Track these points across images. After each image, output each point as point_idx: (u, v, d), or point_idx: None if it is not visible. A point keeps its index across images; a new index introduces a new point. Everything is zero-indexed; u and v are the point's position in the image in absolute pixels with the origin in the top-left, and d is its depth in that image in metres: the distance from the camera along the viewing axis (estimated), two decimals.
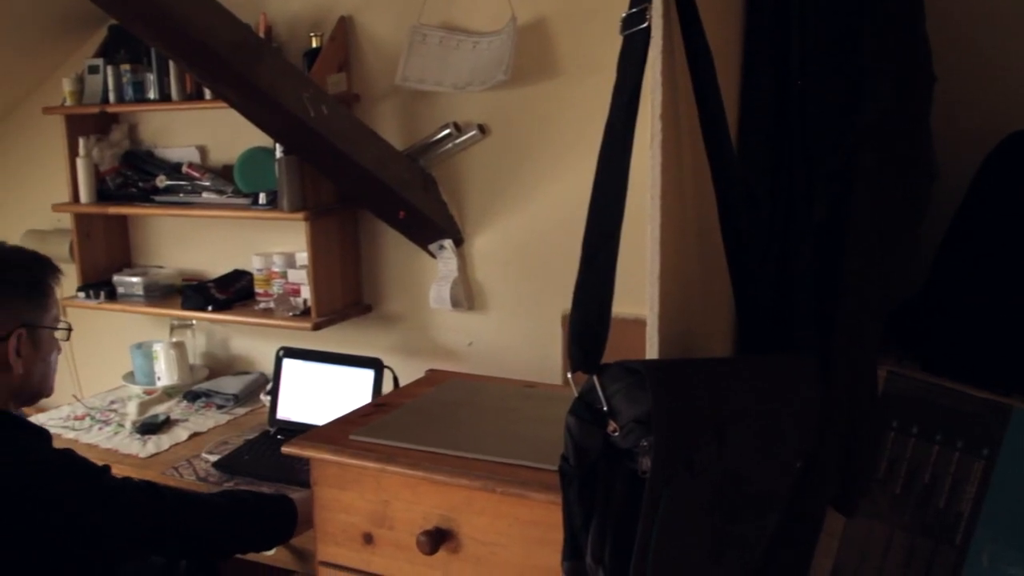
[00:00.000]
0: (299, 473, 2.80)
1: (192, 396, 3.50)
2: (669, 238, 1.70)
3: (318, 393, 3.07)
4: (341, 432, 2.09)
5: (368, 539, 2.02)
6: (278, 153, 3.12)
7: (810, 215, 2.01)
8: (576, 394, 1.63)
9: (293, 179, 3.10)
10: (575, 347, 1.62)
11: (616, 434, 1.57)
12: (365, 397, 2.95)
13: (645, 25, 1.64)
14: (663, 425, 1.52)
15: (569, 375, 1.64)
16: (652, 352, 1.73)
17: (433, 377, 2.54)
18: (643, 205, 1.66)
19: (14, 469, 2.03)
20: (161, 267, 3.78)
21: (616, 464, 1.59)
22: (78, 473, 2.10)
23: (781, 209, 2.02)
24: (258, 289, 3.42)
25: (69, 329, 2.30)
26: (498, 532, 1.87)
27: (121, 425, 3.31)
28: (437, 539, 1.91)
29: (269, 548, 2.50)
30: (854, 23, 1.99)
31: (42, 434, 2.22)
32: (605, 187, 1.65)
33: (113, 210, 3.58)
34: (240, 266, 3.60)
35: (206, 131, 3.62)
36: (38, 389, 2.25)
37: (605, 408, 1.58)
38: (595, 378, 1.60)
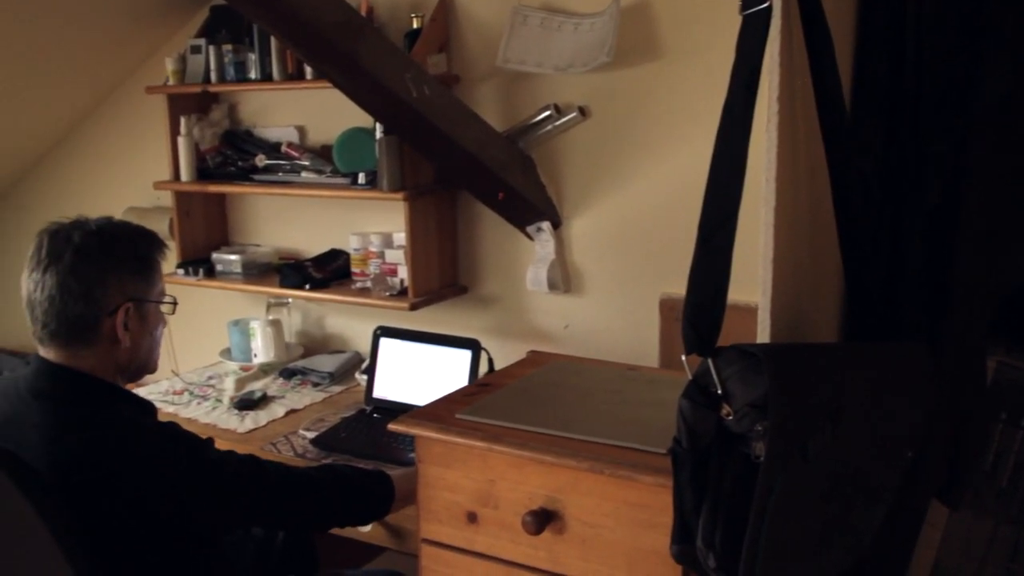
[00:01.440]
0: (395, 451, 2.83)
1: (288, 373, 3.54)
2: (783, 222, 1.68)
3: (414, 373, 3.08)
4: (447, 411, 2.09)
5: (472, 518, 2.03)
6: (378, 133, 3.14)
7: (922, 200, 1.98)
8: (689, 377, 1.62)
9: (393, 159, 3.12)
10: (690, 329, 1.61)
11: (730, 418, 1.56)
12: (462, 378, 2.96)
13: (766, 5, 1.62)
14: (779, 410, 1.50)
15: (683, 358, 1.63)
16: (764, 336, 1.71)
17: (534, 359, 2.54)
18: (754, 188, 1.64)
19: (121, 440, 2.06)
20: (258, 245, 3.82)
21: (729, 448, 1.58)
22: (183, 445, 2.12)
23: (893, 194, 1.99)
24: (354, 269, 3.44)
25: (174, 303, 2.32)
26: (604, 514, 1.87)
27: (219, 401, 3.36)
28: (543, 520, 1.91)
29: (366, 523, 2.52)
30: (973, 5, 1.95)
31: (147, 407, 2.25)
32: (723, 169, 1.64)
33: (213, 188, 3.63)
34: (336, 245, 3.63)
35: (305, 111, 3.65)
36: (144, 362, 2.27)
37: (719, 391, 1.57)
38: (710, 361, 1.59)
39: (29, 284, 2.14)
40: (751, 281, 1.70)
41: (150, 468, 2.04)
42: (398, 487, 2.36)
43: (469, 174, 3.06)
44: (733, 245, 1.60)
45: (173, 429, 2.15)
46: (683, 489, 1.62)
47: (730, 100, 1.64)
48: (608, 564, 1.89)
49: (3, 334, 4.78)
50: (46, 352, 2.16)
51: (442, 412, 2.10)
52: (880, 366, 1.74)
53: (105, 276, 2.12)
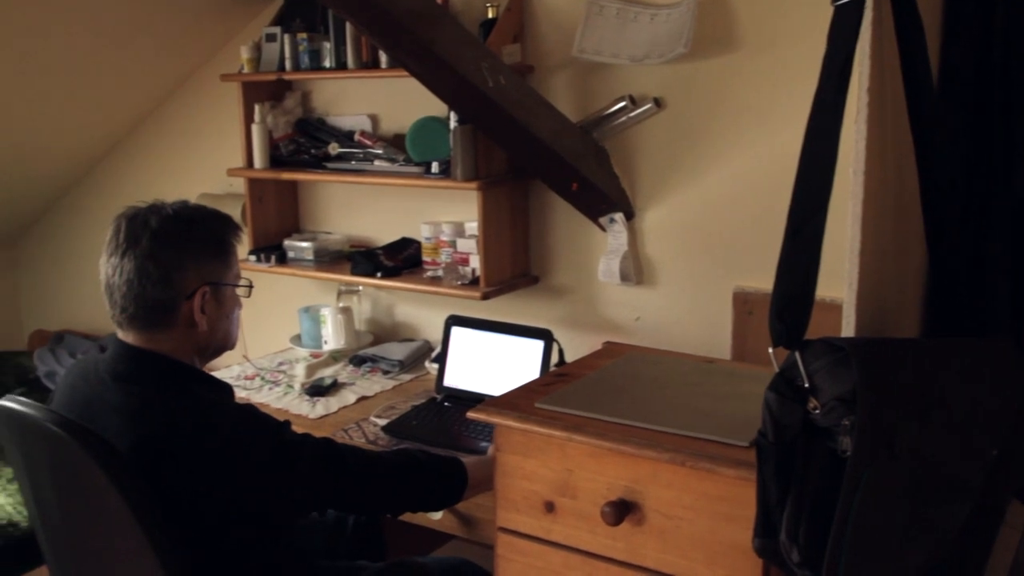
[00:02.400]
0: (466, 439, 2.83)
1: (358, 360, 3.56)
2: (870, 215, 1.66)
3: (485, 362, 3.09)
4: (526, 400, 2.10)
5: (550, 507, 2.03)
6: (452, 123, 3.14)
7: (1009, 193, 1.95)
8: (776, 369, 1.61)
9: (467, 149, 3.12)
10: (777, 321, 1.60)
11: (817, 411, 1.55)
12: (533, 368, 2.96)
13: None
14: (868, 405, 1.49)
15: (770, 350, 1.62)
16: (848, 331, 1.70)
17: (610, 349, 2.54)
18: (840, 181, 1.62)
19: (200, 422, 2.08)
20: (329, 233, 3.84)
21: (814, 442, 1.57)
22: (260, 427, 2.14)
23: (980, 187, 1.95)
24: (426, 257, 3.45)
25: (250, 286, 2.34)
26: (684, 506, 1.86)
27: (290, 386, 3.38)
28: (622, 511, 1.91)
29: (438, 509, 2.52)
30: None
31: (224, 389, 2.28)
32: (813, 160, 1.62)
33: (286, 176, 3.65)
34: (407, 234, 3.64)
35: (378, 100, 3.66)
36: (221, 345, 2.30)
37: (806, 385, 1.56)
38: (797, 354, 1.58)
39: (107, 268, 2.16)
40: (834, 276, 1.69)
41: (228, 449, 2.06)
42: (471, 474, 2.37)
43: (543, 164, 3.05)
44: (822, 237, 1.58)
45: (251, 411, 2.17)
46: (767, 483, 1.61)
47: (821, 90, 1.62)
48: (687, 557, 1.88)
49: (74, 317, 4.85)
50: (125, 335, 2.19)
51: (521, 401, 2.10)
52: (967, 362, 1.72)
53: (182, 260, 2.14)
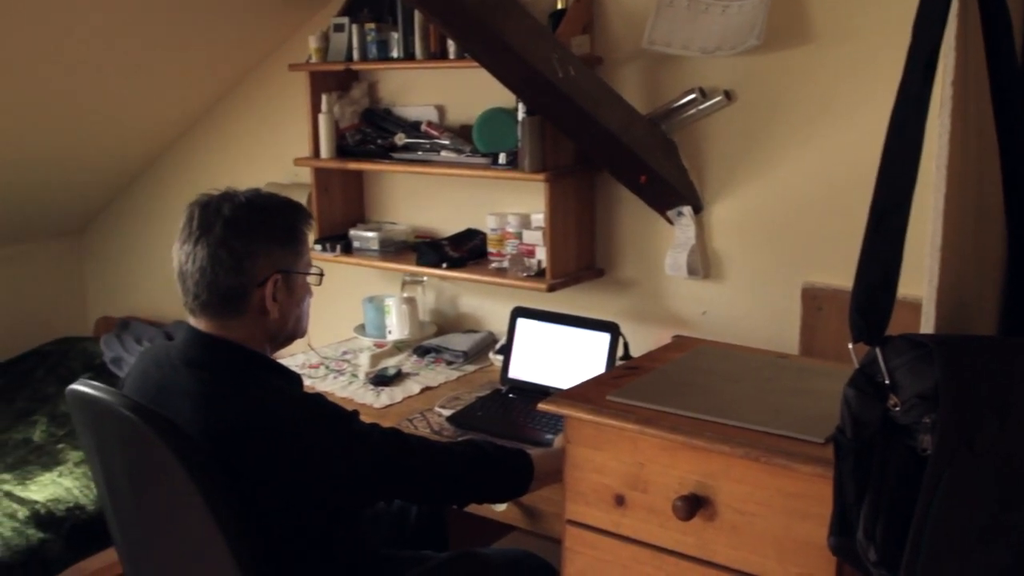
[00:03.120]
0: (531, 431, 2.82)
1: (422, 351, 3.56)
2: (952, 210, 1.64)
3: (551, 354, 3.08)
4: (597, 392, 2.08)
5: (619, 501, 2.02)
6: (520, 114, 3.14)
7: None
8: (856, 365, 1.59)
9: (535, 140, 3.11)
10: (857, 316, 1.58)
11: (897, 409, 1.53)
12: (599, 361, 2.95)
13: None
14: (950, 403, 1.46)
15: (850, 346, 1.59)
16: (928, 327, 1.67)
17: (679, 343, 2.52)
18: (921, 175, 1.59)
19: (270, 410, 2.09)
20: (394, 223, 3.85)
21: (894, 439, 1.55)
22: (329, 416, 2.15)
23: None
24: (491, 249, 3.45)
25: (321, 274, 2.35)
26: (757, 502, 1.84)
27: (355, 376, 3.39)
28: (693, 505, 1.89)
29: (504, 501, 2.52)
30: None
31: (294, 378, 2.28)
32: (897, 153, 1.58)
33: (352, 166, 3.66)
34: (472, 225, 3.63)
35: (445, 90, 3.65)
36: (292, 333, 2.30)
37: (887, 381, 1.53)
38: (878, 350, 1.55)
39: (180, 255, 2.17)
40: (912, 272, 1.66)
41: (298, 438, 2.07)
42: (537, 467, 2.36)
43: (611, 156, 3.04)
44: (905, 231, 1.56)
45: (320, 400, 2.17)
46: (845, 480, 1.59)
47: (906, 82, 1.59)
48: (759, 553, 1.86)
49: (138, 304, 4.90)
50: (197, 322, 2.20)
51: (592, 394, 2.09)
52: None
53: (255, 247, 2.15)
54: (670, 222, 3.16)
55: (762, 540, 1.85)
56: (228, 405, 2.09)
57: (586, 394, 2.09)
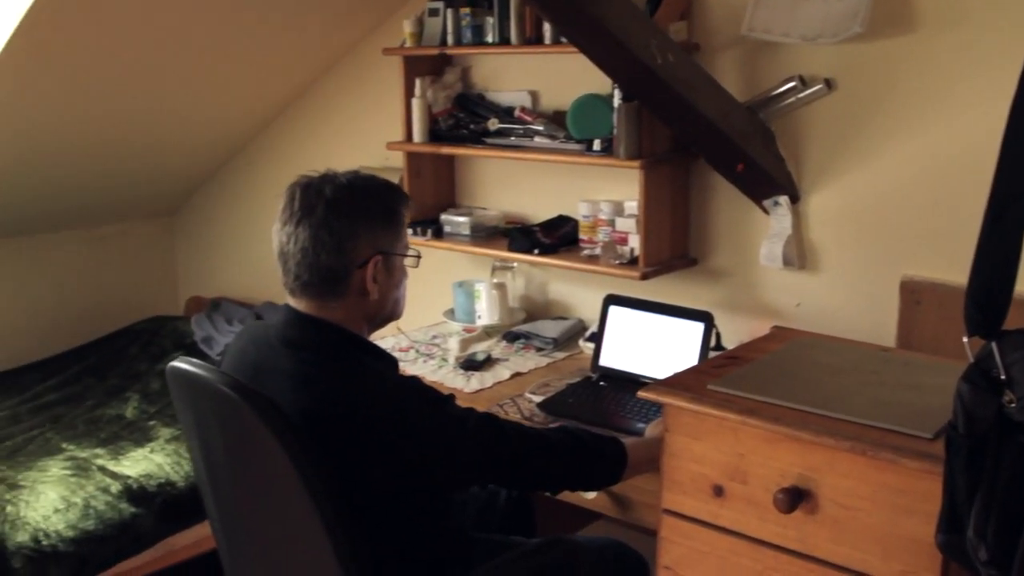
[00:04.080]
0: (622, 420, 2.81)
1: (512, 337, 3.56)
2: None
3: (643, 342, 3.05)
4: (697, 381, 2.06)
5: (718, 491, 1.99)
6: (616, 100, 3.12)
7: None
8: (970, 360, 1.55)
9: (631, 127, 3.09)
10: (973, 310, 1.54)
11: (1012, 405, 1.49)
12: (692, 351, 2.92)
13: None
14: None
15: (965, 340, 1.56)
16: None
17: (778, 334, 2.49)
18: None
19: (367, 392, 2.10)
20: (485, 209, 3.84)
21: (1008, 437, 1.51)
22: (426, 399, 2.15)
23: None
24: (582, 236, 3.43)
25: (418, 256, 2.35)
26: (861, 497, 1.81)
27: (444, 360, 3.39)
28: (795, 498, 1.86)
29: (596, 489, 2.51)
30: None
31: (390, 360, 2.29)
32: (1017, 143, 1.54)
33: (446, 150, 3.66)
34: (563, 212, 3.62)
35: (539, 76, 3.64)
36: (390, 315, 2.31)
37: (1003, 377, 1.50)
38: (994, 345, 1.52)
39: (281, 236, 2.18)
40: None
41: (395, 420, 2.08)
42: (631, 455, 2.34)
43: (708, 144, 3.00)
44: None
45: (417, 383, 2.18)
46: (956, 477, 1.55)
47: None
48: (861, 549, 1.83)
49: (228, 284, 4.95)
50: (297, 303, 2.21)
51: (692, 382, 2.07)
52: None
53: (356, 229, 2.15)
54: (766, 212, 3.12)
55: (865, 536, 1.82)
56: (326, 386, 2.10)
57: (686, 383, 2.07)
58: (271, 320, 2.31)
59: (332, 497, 2.01)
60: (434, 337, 3.67)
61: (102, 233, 4.94)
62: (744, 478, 1.95)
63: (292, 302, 2.22)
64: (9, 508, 3.18)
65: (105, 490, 3.33)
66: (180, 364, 2.18)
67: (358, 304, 2.20)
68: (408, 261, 2.30)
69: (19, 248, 4.64)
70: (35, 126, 3.82)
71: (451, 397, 2.19)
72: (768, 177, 3.02)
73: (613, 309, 3.13)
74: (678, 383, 2.08)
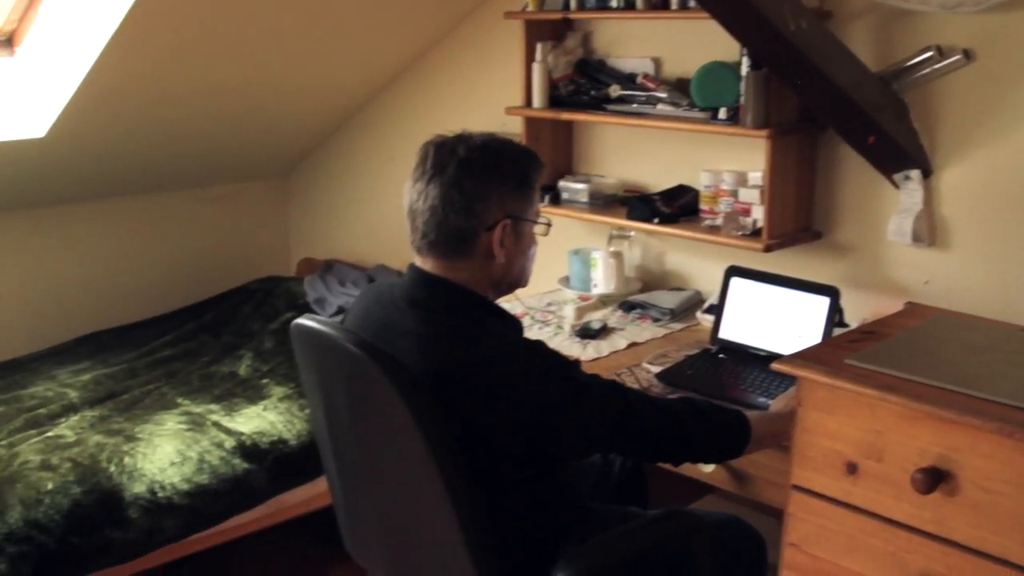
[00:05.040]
0: (742, 393, 2.76)
1: (628, 306, 3.51)
2: None
3: (765, 316, 2.99)
4: (833, 356, 2.00)
5: (852, 469, 1.94)
6: (744, 68, 3.05)
7: None
8: None
9: (759, 95, 3.02)
10: None
11: None
12: (815, 326, 2.85)
13: None
14: None
15: None
16: None
17: (914, 310, 2.41)
18: None
19: (492, 354, 2.08)
20: (602, 176, 3.80)
21: None
22: (551, 364, 2.12)
23: None
24: (703, 206, 3.37)
25: (549, 224, 2.32)
26: (1006, 481, 1.74)
27: (560, 327, 3.37)
28: (934, 479, 1.80)
29: (717, 462, 2.48)
30: None
31: (515, 324, 2.27)
32: None
33: (566, 116, 3.62)
34: (682, 181, 3.56)
35: (662, 43, 3.58)
36: (515, 280, 2.28)
37: None
38: None
39: (412, 194, 2.16)
40: None
41: (518, 383, 2.06)
42: (754, 430, 2.29)
43: (839, 114, 2.92)
44: None
45: (542, 347, 2.15)
46: None
47: None
48: (1002, 535, 1.77)
49: (340, 247, 4.98)
50: (423, 262, 2.19)
51: (828, 356, 2.01)
52: None
53: (487, 191, 2.13)
54: (896, 185, 3.03)
55: (1007, 521, 1.75)
56: (451, 347, 2.09)
57: (822, 356, 2.02)
58: (396, 280, 2.30)
59: (454, 459, 2.01)
60: (549, 304, 3.64)
61: (218, 193, 4.99)
62: (880, 456, 1.89)
63: (419, 261, 2.20)
64: (127, 459, 3.23)
65: (219, 445, 3.37)
66: (306, 321, 2.19)
67: (483, 267, 2.18)
68: (538, 228, 2.28)
69: (139, 207, 4.72)
70: (155, 91, 3.87)
71: (576, 363, 2.17)
72: (900, 150, 2.93)
73: (735, 281, 3.07)
74: (814, 356, 2.02)
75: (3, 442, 3.39)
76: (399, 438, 2.04)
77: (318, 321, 2.16)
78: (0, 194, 4.13)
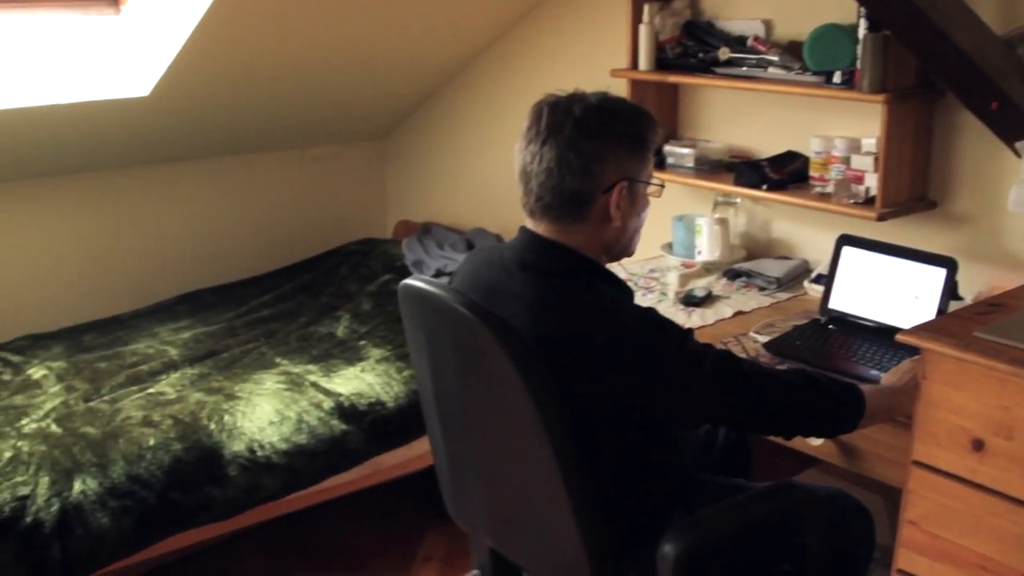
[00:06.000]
0: (852, 366, 2.69)
1: (732, 274, 3.45)
2: None
3: (877, 287, 2.90)
4: (961, 328, 1.93)
5: (978, 446, 1.87)
6: (862, 30, 2.96)
7: None
8: None
9: (877, 59, 2.92)
10: None
11: None
12: (931, 298, 2.77)
13: None
14: None
15: None
16: None
17: None
18: None
19: (605, 319, 2.04)
20: (708, 141, 3.72)
21: None
22: (666, 331, 2.08)
23: None
24: (813, 173, 3.29)
25: (662, 186, 2.27)
26: None
27: (664, 294, 3.32)
28: None
29: (829, 436, 2.41)
30: None
31: (627, 290, 2.23)
32: None
33: (673, 79, 3.55)
34: (791, 147, 3.47)
35: (772, 4, 3.48)
36: (627, 244, 2.23)
37: None
38: None
39: (525, 156, 2.12)
40: None
41: (631, 349, 2.01)
42: (869, 404, 2.22)
43: (960, 79, 2.82)
44: None
45: (656, 314, 2.10)
46: None
47: None
48: None
49: (438, 210, 4.96)
50: (535, 225, 2.16)
51: (955, 328, 1.94)
52: None
53: (604, 152, 2.08)
54: (1017, 154, 2.91)
55: None
56: (564, 312, 2.05)
57: (949, 328, 1.94)
58: (504, 243, 2.27)
59: (564, 425, 1.98)
60: (652, 271, 3.58)
61: (315, 154, 5.00)
62: (1009, 433, 1.82)
63: (530, 224, 2.16)
64: (227, 418, 3.25)
65: (317, 406, 3.38)
66: (415, 282, 2.17)
67: (598, 231, 2.13)
68: (651, 190, 2.22)
69: (239, 167, 4.74)
70: (258, 52, 3.88)
71: (689, 331, 2.11)
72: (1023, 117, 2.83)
73: (846, 250, 2.99)
74: (941, 328, 1.95)
75: (106, 398, 3.43)
76: (508, 403, 2.01)
77: (427, 282, 2.14)
78: (105, 152, 4.17)
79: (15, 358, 3.77)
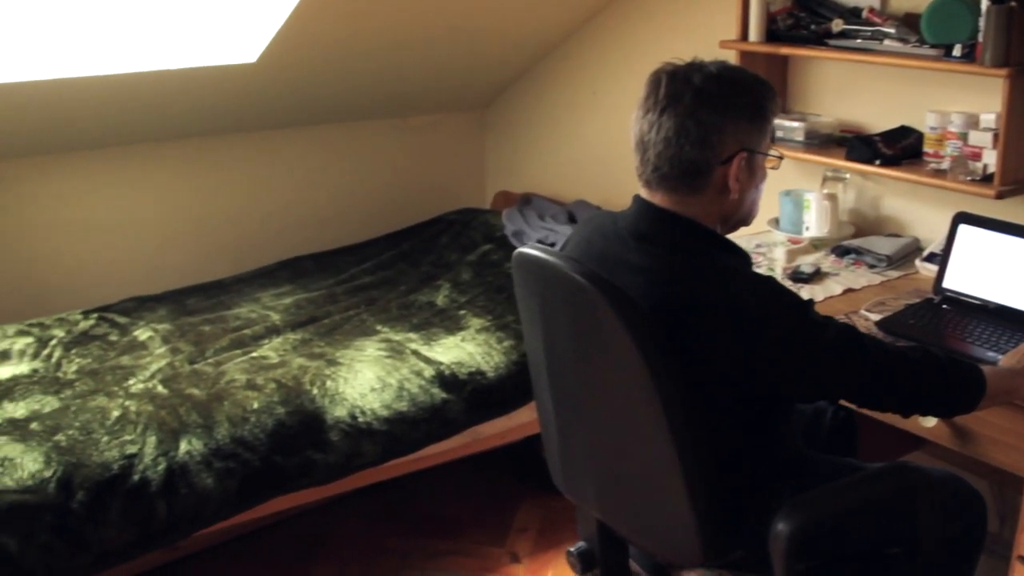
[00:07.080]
0: (967, 347, 2.63)
1: (841, 251, 3.38)
2: None
3: (995, 267, 2.83)
4: None
5: None
6: (984, 2, 2.87)
7: None
8: None
9: (1000, 31, 2.83)
10: None
11: None
12: None
13: None
14: None
15: None
16: None
17: None
18: None
19: (725, 289, 2.01)
20: (818, 115, 3.65)
21: None
22: (787, 301, 2.04)
23: None
24: (927, 149, 3.21)
25: (780, 157, 2.22)
26: None
27: (771, 270, 3.27)
28: None
29: (949, 416, 2.35)
30: None
31: (746, 258, 2.19)
32: None
33: (784, 51, 3.48)
34: (905, 122, 3.39)
35: None
36: (746, 215, 2.20)
37: None
38: None
39: (643, 125, 2.09)
40: None
41: (751, 319, 1.98)
42: (989, 385, 2.17)
43: None
44: None
45: (776, 284, 2.06)
46: None
47: None
48: None
49: (537, 181, 4.94)
50: (651, 195, 2.13)
51: None
52: None
53: (723, 123, 2.05)
54: None
55: None
56: (681, 282, 2.03)
57: None
58: (616, 212, 2.24)
59: (680, 397, 1.96)
60: (758, 246, 3.52)
61: (416, 123, 5.00)
62: None
63: (645, 194, 2.14)
64: (329, 383, 3.27)
65: (418, 374, 3.38)
66: (530, 251, 2.15)
67: (715, 202, 2.10)
68: (769, 163, 2.18)
69: (341, 134, 4.77)
70: (364, 20, 3.87)
71: (810, 302, 2.08)
72: None
73: (963, 228, 2.92)
74: None
75: (210, 360, 3.47)
76: (623, 372, 2.00)
77: (543, 250, 2.12)
78: (211, 118, 4.21)
79: (121, 319, 3.82)
